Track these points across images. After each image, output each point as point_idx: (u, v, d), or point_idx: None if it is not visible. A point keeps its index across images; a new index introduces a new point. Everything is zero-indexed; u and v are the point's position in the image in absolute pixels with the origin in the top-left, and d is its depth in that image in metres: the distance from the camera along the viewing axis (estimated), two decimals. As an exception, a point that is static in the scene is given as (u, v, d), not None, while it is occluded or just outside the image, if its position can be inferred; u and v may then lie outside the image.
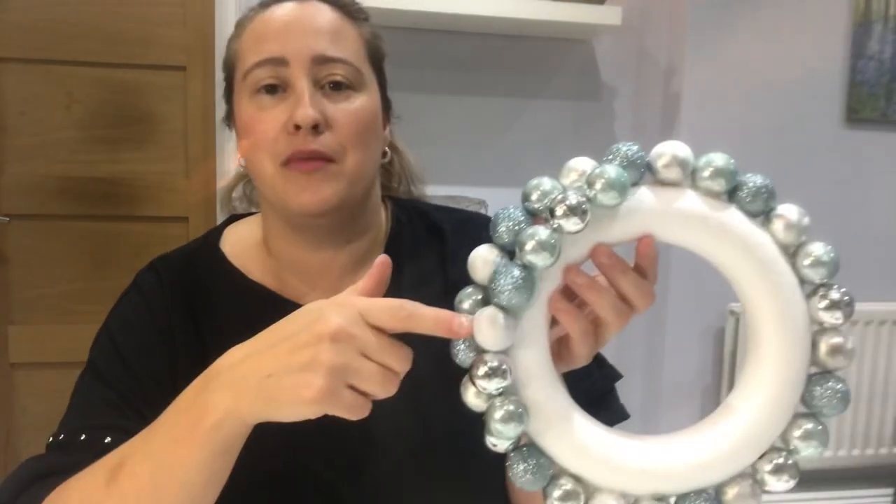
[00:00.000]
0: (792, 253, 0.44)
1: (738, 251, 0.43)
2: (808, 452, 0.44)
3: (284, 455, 0.63)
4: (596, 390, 0.67)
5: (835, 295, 0.43)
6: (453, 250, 0.72)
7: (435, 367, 0.68)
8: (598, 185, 0.42)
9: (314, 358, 0.43)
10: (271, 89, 0.64)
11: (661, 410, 2.00)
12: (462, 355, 0.45)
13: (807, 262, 0.43)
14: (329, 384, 0.42)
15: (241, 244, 0.72)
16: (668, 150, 0.44)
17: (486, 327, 0.42)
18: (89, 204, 1.83)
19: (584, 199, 0.42)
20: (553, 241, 0.41)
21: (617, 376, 0.72)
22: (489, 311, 0.43)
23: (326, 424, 0.64)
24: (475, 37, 1.89)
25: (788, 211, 0.44)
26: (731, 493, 0.44)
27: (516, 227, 0.43)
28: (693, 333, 2.01)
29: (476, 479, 0.64)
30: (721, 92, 1.93)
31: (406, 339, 0.68)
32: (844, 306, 0.43)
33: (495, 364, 0.42)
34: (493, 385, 0.43)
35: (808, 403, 0.44)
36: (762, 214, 0.44)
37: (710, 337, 2.01)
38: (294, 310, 0.66)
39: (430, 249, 0.73)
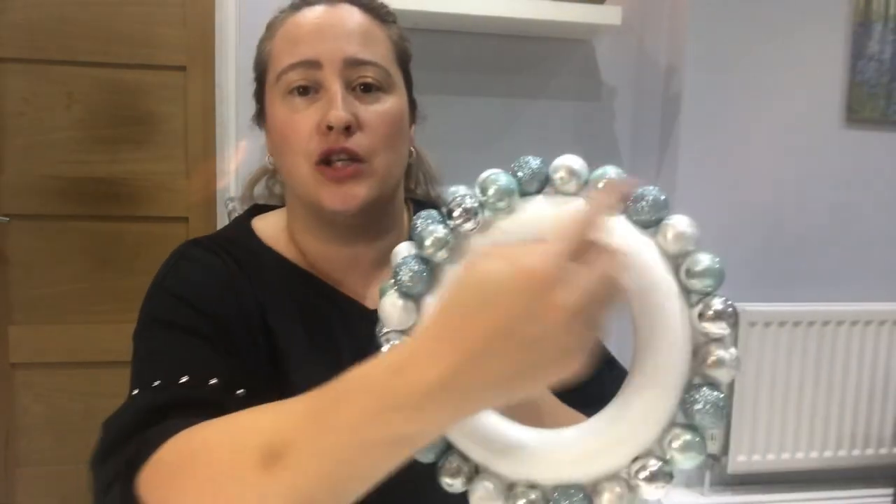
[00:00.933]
0: (679, 262, 0.45)
1: (628, 269, 0.44)
2: (684, 463, 0.44)
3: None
4: (605, 392, 0.67)
5: (718, 305, 0.43)
6: None
7: None
8: (490, 191, 0.46)
9: (567, 348, 0.37)
10: (303, 91, 0.66)
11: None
12: (377, 336, 0.49)
13: (692, 271, 0.44)
14: (586, 353, 0.38)
15: (271, 232, 0.73)
16: (563, 164, 0.47)
17: (388, 309, 0.47)
18: (89, 204, 1.83)
19: (475, 203, 0.46)
20: (448, 238, 0.46)
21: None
22: (391, 296, 0.48)
23: None
24: (475, 37, 1.89)
25: (678, 221, 0.45)
26: (604, 497, 0.44)
27: (426, 226, 0.48)
28: (693, 333, 2.01)
29: None
30: (721, 92, 1.93)
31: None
32: (728, 317, 0.43)
33: (397, 342, 0.47)
34: None
35: (688, 414, 0.44)
36: (653, 225, 0.45)
37: (710, 337, 2.01)
38: (327, 291, 0.69)
39: None
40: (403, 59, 0.73)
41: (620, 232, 0.44)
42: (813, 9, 1.95)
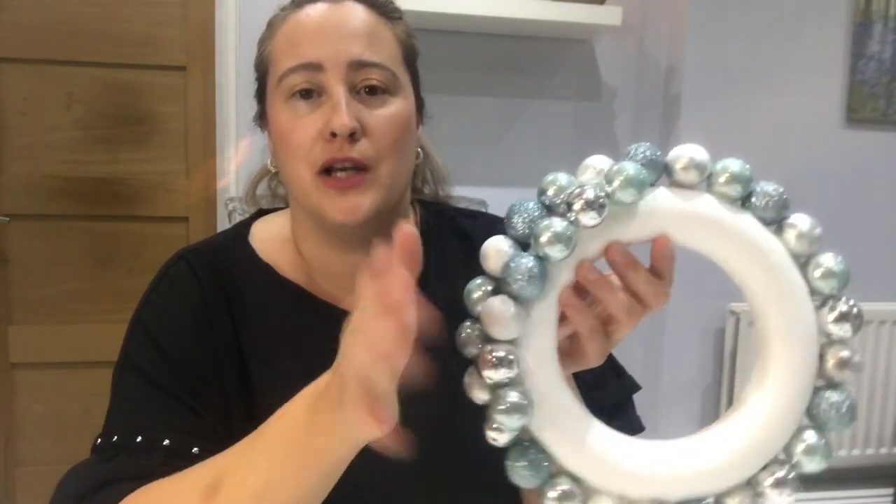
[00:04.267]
0: (803, 263, 0.44)
1: (751, 257, 0.43)
2: (810, 467, 0.43)
3: None
4: (612, 399, 0.66)
5: (844, 307, 0.42)
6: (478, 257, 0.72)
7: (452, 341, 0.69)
8: (616, 182, 0.42)
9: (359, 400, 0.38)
10: (306, 94, 0.62)
11: (660, 410, 1.99)
12: (468, 345, 0.44)
13: (818, 272, 0.43)
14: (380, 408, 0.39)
15: (270, 240, 0.70)
16: (685, 153, 0.44)
17: (496, 316, 0.42)
18: (89, 204, 1.83)
19: (602, 194, 0.41)
20: (569, 233, 0.41)
21: (635, 387, 0.71)
22: (500, 299, 0.42)
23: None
24: (475, 37, 1.89)
25: (801, 220, 0.44)
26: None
27: (531, 220, 0.43)
28: (693, 333, 2.01)
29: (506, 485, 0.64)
30: (721, 92, 1.93)
31: (441, 358, 0.68)
32: (853, 318, 0.42)
33: (502, 354, 0.42)
34: (500, 375, 0.42)
35: (814, 416, 0.43)
36: (775, 223, 0.44)
37: (710, 337, 2.01)
38: (325, 310, 0.67)
39: (456, 256, 0.73)
40: (411, 58, 0.69)
41: (751, 231, 0.43)
42: (813, 9, 1.95)
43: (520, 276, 0.41)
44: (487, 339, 0.43)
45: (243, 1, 1.79)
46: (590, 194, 0.41)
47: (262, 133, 0.72)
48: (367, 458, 0.64)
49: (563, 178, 0.44)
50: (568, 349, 0.48)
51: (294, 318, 0.66)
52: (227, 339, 0.64)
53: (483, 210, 0.85)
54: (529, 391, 0.43)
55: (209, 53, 1.83)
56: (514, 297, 0.42)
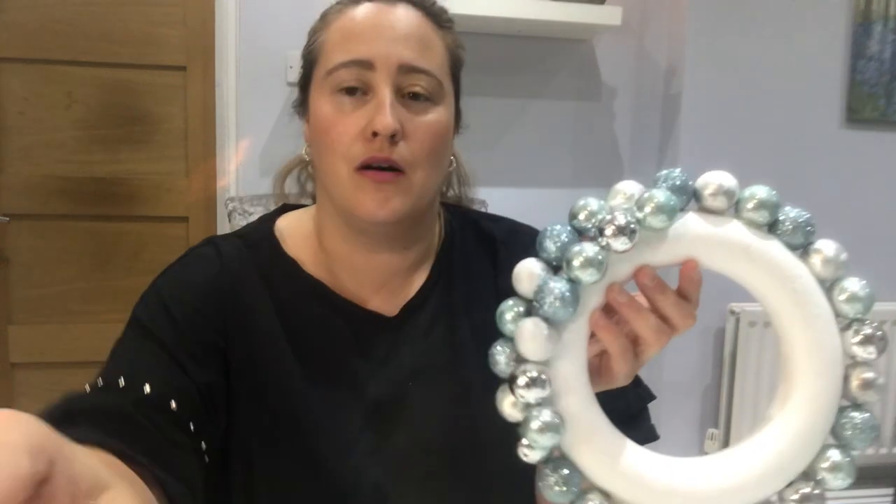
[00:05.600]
0: (828, 287, 0.45)
1: (778, 282, 0.45)
2: (835, 484, 0.44)
3: (333, 450, 0.64)
4: (628, 409, 0.67)
5: (868, 330, 0.44)
6: (504, 262, 0.72)
7: (483, 368, 0.69)
8: (647, 208, 0.43)
9: None
10: (351, 91, 0.63)
11: (661, 410, 2.00)
12: (502, 364, 0.45)
13: (843, 296, 0.44)
14: None
15: (294, 235, 0.71)
16: (714, 180, 0.45)
17: (530, 338, 0.43)
18: (89, 204, 1.83)
19: (633, 220, 0.43)
20: (600, 258, 0.43)
21: (650, 397, 0.71)
22: (533, 321, 0.43)
23: (376, 422, 0.65)
24: (476, 37, 1.89)
25: (826, 246, 0.45)
26: None
27: (563, 244, 0.44)
28: (693, 333, 2.00)
29: (520, 481, 0.64)
30: (721, 92, 1.93)
31: (454, 337, 0.69)
32: (878, 341, 0.44)
33: (535, 374, 0.43)
34: (533, 395, 0.43)
35: (838, 435, 0.45)
36: (801, 248, 0.45)
37: (710, 337, 2.01)
38: (347, 308, 0.68)
39: (480, 260, 0.74)
40: (456, 68, 0.70)
41: (778, 256, 0.44)
42: (813, 9, 1.95)
43: (552, 300, 0.43)
44: (520, 360, 0.45)
45: (243, 1, 1.79)
46: (621, 220, 0.42)
47: (300, 120, 0.72)
48: (376, 424, 0.63)
49: (594, 202, 0.45)
50: (597, 368, 0.50)
51: (315, 312, 0.67)
52: (241, 326, 0.64)
53: (485, 210, 0.86)
54: (562, 410, 0.45)
55: (209, 53, 1.83)
56: (547, 320, 0.44)
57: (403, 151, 0.62)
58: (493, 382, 0.47)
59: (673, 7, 1.96)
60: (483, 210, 0.86)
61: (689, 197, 0.45)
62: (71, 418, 0.51)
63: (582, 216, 0.45)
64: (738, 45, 1.92)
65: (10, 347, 1.83)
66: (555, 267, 0.45)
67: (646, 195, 0.44)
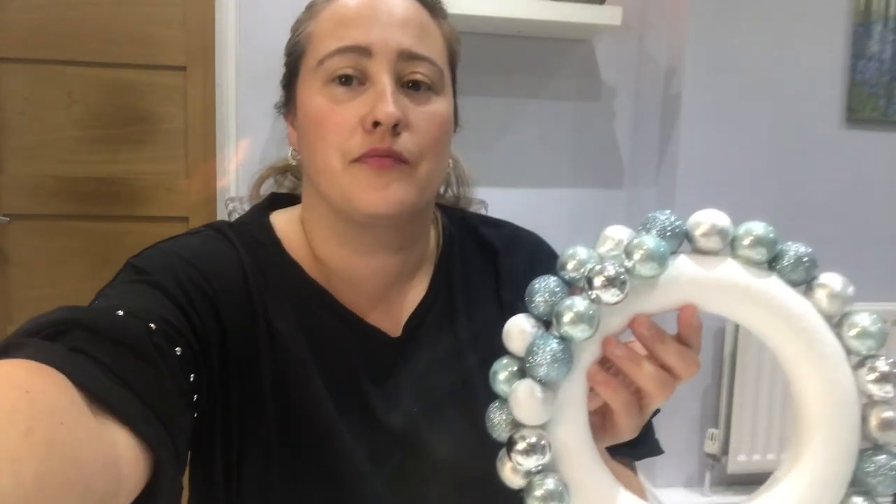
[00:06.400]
0: (836, 323, 0.43)
1: (782, 322, 0.42)
2: None
3: (332, 453, 0.61)
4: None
5: (884, 367, 0.41)
6: (505, 270, 0.70)
7: (480, 360, 0.65)
8: (636, 256, 0.41)
9: None
10: (346, 80, 0.58)
11: (660, 410, 2.00)
12: (499, 430, 0.43)
13: (853, 332, 0.42)
14: None
15: (290, 236, 0.66)
16: (706, 220, 0.42)
17: (525, 401, 0.41)
18: (89, 204, 1.83)
19: (622, 269, 0.41)
20: (591, 312, 0.41)
21: (655, 411, 0.70)
22: (526, 384, 0.41)
23: (378, 425, 0.62)
24: (476, 37, 1.89)
25: (832, 280, 0.42)
26: None
27: (553, 298, 0.42)
28: (693, 333, 2.01)
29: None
30: (721, 92, 1.93)
31: (459, 355, 0.66)
32: (895, 378, 0.41)
33: (534, 440, 0.41)
34: (532, 462, 0.41)
35: (860, 481, 0.42)
36: (804, 283, 0.43)
37: (710, 337, 2.01)
38: (347, 316, 0.63)
39: (480, 268, 0.70)
40: (453, 60, 0.66)
41: (780, 295, 0.42)
42: (813, 9, 1.95)
43: (545, 362, 0.41)
44: (517, 425, 0.43)
45: (243, 1, 1.79)
46: (610, 271, 0.40)
47: (284, 122, 0.68)
48: (379, 427, 0.61)
49: (582, 251, 0.43)
50: (601, 424, 0.48)
51: (315, 318, 0.63)
52: (244, 322, 0.59)
53: (482, 211, 0.84)
54: (564, 475, 0.43)
55: (209, 53, 1.83)
56: (541, 381, 0.41)
57: (407, 143, 0.57)
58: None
59: (673, 7, 1.96)
60: (483, 211, 0.84)
61: (681, 240, 0.43)
62: (65, 329, 0.44)
63: (570, 266, 0.43)
64: (738, 45, 1.91)
65: (10, 347, 1.83)
66: (546, 322, 0.43)
67: (635, 241, 0.41)
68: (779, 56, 1.94)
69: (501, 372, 0.43)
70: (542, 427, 0.42)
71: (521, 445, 0.41)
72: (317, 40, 0.60)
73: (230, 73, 1.80)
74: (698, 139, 1.94)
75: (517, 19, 1.77)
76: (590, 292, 0.41)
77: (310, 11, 0.63)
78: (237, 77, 1.80)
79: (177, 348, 0.50)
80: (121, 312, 0.48)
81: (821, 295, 0.42)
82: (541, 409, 0.41)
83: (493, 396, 0.44)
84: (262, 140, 1.83)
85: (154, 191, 1.85)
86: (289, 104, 0.65)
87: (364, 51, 0.58)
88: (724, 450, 1.99)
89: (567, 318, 0.40)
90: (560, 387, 0.42)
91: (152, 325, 0.48)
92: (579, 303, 0.41)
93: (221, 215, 1.85)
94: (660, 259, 0.41)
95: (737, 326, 1.94)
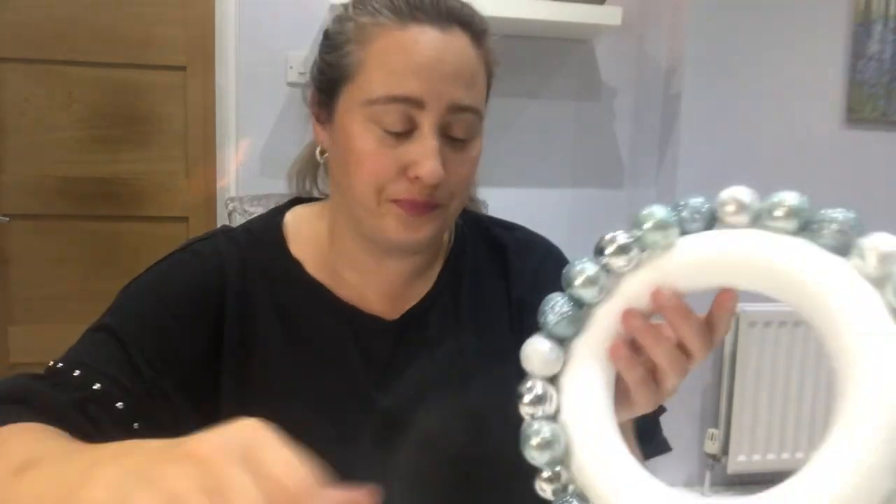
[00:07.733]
0: (880, 285, 0.38)
1: (821, 292, 0.38)
2: None
3: (331, 436, 0.63)
4: (646, 424, 0.64)
5: None
6: (516, 271, 0.71)
7: (483, 355, 0.67)
8: (646, 225, 0.43)
9: None
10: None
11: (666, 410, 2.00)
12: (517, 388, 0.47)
13: None
14: None
15: (301, 233, 0.69)
16: (733, 196, 0.42)
17: (532, 353, 0.45)
18: (89, 204, 1.83)
19: (631, 238, 0.44)
20: (599, 276, 0.44)
21: (662, 409, 0.68)
22: (536, 338, 0.45)
23: (381, 433, 0.64)
24: (475, 37, 1.89)
25: (881, 241, 0.39)
26: None
27: (577, 264, 0.45)
28: (693, 333, 2.01)
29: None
30: (721, 92, 1.93)
31: (461, 348, 0.68)
32: None
33: (540, 392, 0.44)
34: (538, 411, 0.44)
35: None
36: (845, 248, 0.40)
37: (710, 337, 2.01)
38: (347, 311, 0.66)
39: (491, 267, 0.72)
40: (489, 83, 0.67)
41: (819, 263, 0.39)
42: (813, 9, 1.95)
43: (554, 315, 0.45)
44: (527, 375, 0.46)
45: (243, 1, 1.79)
46: (620, 239, 0.44)
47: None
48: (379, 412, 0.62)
49: (590, 267, 0.45)
50: (621, 397, 0.49)
51: (312, 316, 0.66)
52: (232, 330, 0.63)
53: (482, 211, 0.84)
54: (567, 428, 0.44)
55: (209, 53, 1.83)
56: (551, 336, 0.45)
57: (443, 191, 0.60)
58: (499, 393, 0.47)
59: (673, 7, 1.96)
60: (483, 211, 0.85)
61: (710, 220, 0.44)
62: (19, 398, 0.52)
63: (578, 282, 0.45)
64: (738, 45, 1.92)
65: (10, 347, 1.83)
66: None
67: (644, 212, 0.43)
68: (779, 56, 1.94)
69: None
70: (550, 380, 0.45)
71: (528, 397, 0.45)
72: (367, 73, 0.59)
73: (230, 73, 1.80)
74: (698, 139, 1.94)
75: (517, 19, 1.77)
76: (600, 258, 0.44)
77: (361, 33, 0.61)
78: (237, 77, 1.80)
79: (118, 404, 0.55)
80: (77, 373, 0.55)
81: (868, 257, 0.39)
82: (547, 359, 0.44)
83: (492, 388, 0.47)
84: (262, 140, 1.83)
85: (154, 191, 1.85)
86: (323, 109, 0.65)
87: (416, 102, 0.58)
88: (725, 450, 1.99)
89: (578, 281, 0.44)
90: (571, 344, 0.45)
91: (97, 386, 0.54)
92: (590, 267, 0.44)
93: (221, 215, 1.85)
94: (663, 227, 0.43)
95: (737, 326, 1.94)
